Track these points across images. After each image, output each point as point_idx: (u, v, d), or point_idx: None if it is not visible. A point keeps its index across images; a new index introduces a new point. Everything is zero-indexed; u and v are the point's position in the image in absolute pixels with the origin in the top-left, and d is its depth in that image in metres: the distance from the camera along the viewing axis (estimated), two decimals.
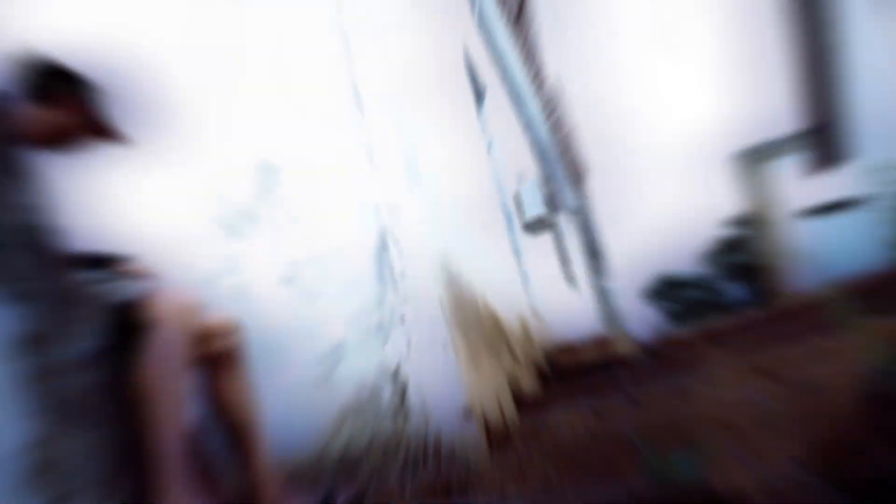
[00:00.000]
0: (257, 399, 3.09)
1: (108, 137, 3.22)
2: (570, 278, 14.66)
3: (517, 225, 10.45)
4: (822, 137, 15.30)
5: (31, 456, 1.96)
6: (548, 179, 15.57)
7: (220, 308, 4.80)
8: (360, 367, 4.69)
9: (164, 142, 5.32)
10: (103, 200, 5.17)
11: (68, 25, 4.99)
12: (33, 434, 2.01)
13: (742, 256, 24.36)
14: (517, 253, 9.73)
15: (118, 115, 3.25)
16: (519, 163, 12.06)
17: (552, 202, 15.18)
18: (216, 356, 2.98)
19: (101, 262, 3.06)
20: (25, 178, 2.23)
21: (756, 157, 20.83)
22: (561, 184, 16.47)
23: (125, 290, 2.85)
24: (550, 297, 11.17)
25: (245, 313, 4.87)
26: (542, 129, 14.77)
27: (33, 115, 3.07)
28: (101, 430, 2.42)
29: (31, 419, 2.02)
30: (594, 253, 19.59)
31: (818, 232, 18.76)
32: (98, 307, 2.67)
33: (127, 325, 2.76)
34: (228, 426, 2.98)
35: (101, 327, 2.63)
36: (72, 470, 2.15)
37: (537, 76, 13.94)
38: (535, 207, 10.88)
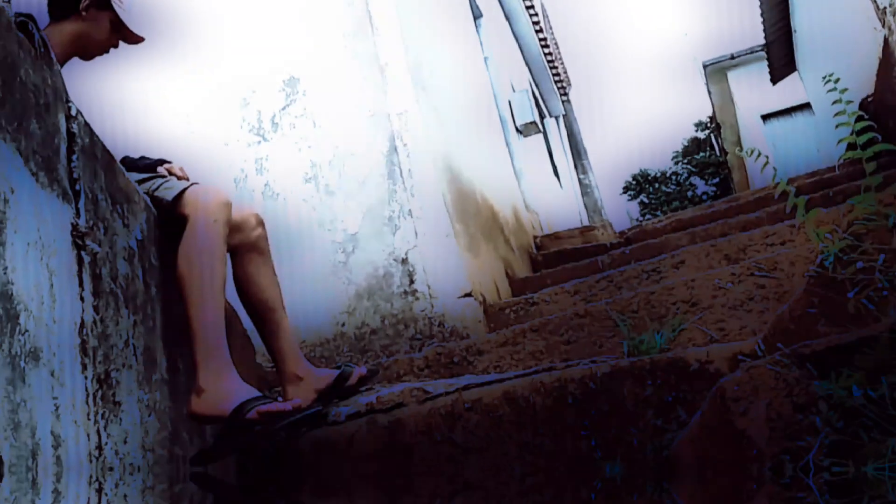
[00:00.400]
0: (279, 284, 3.07)
1: (127, 38, 3.19)
2: (556, 174, 14.61)
3: (511, 128, 10.37)
4: (777, 50, 15.10)
5: (81, 337, 1.96)
6: (537, 88, 15.41)
7: (247, 204, 4.79)
8: (374, 254, 4.69)
9: (190, 50, 5.25)
10: (135, 105, 5.12)
11: None
12: (86, 314, 2.00)
13: (708, 154, 24.11)
14: (511, 154, 9.67)
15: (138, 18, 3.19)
16: (512, 74, 11.93)
17: (541, 109, 15.05)
18: (242, 246, 2.96)
19: (145, 165, 3.04)
20: (64, 91, 2.20)
21: (721, 67, 20.55)
22: (548, 93, 16.31)
23: (167, 187, 2.82)
24: (540, 189, 11.15)
25: (271, 208, 4.85)
26: (533, 44, 14.58)
27: (60, 31, 3.06)
28: (148, 313, 2.42)
29: (85, 301, 2.01)
30: (578, 152, 19.49)
31: (776, 132, 18.60)
32: (144, 203, 2.65)
33: (169, 218, 2.75)
34: (254, 308, 2.96)
35: (147, 221, 2.62)
36: (117, 349, 2.15)
37: None
38: (526, 114, 10.78)
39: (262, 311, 2.93)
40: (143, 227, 2.56)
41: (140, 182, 2.81)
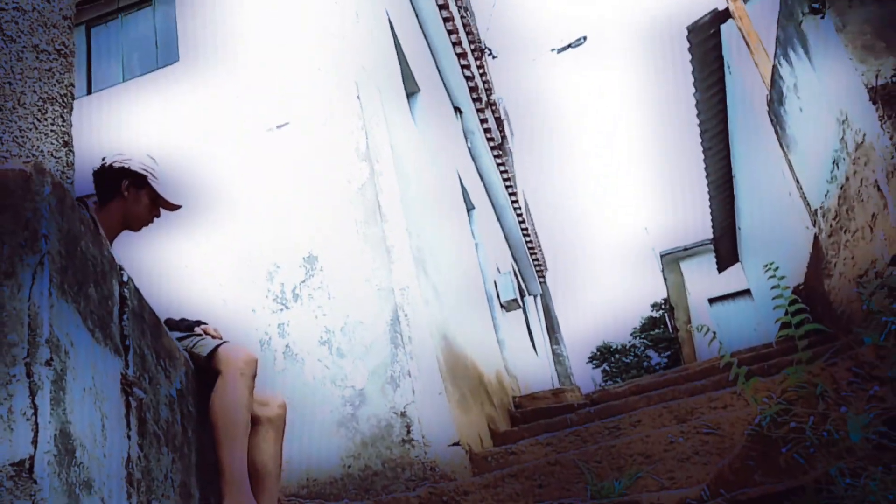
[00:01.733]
0: (281, 459, 3.02)
1: (166, 208, 3.26)
2: (533, 345, 14.63)
3: (496, 304, 10.48)
4: (723, 244, 15.40)
5: (128, 470, 1.98)
6: (519, 271, 15.63)
7: (270, 364, 4.82)
8: (377, 408, 4.69)
9: (226, 220, 5.38)
10: (178, 272, 5.21)
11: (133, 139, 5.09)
12: (132, 451, 2.02)
13: (662, 331, 24.14)
14: (495, 326, 9.75)
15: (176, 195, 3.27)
16: (498, 258, 12.14)
17: (521, 288, 15.22)
18: (262, 418, 2.96)
19: (183, 325, 3.09)
20: (115, 261, 2.29)
21: (676, 257, 20.86)
22: (528, 275, 16.53)
23: (202, 345, 2.87)
24: (519, 357, 11.15)
25: (291, 367, 4.88)
26: (517, 234, 14.88)
27: (108, 211, 3.15)
28: (184, 452, 2.43)
29: (131, 440, 2.03)
30: (552, 327, 19.55)
31: (721, 314, 18.72)
32: (183, 358, 2.70)
33: (205, 370, 2.78)
34: (254, 468, 2.90)
35: (186, 373, 2.66)
36: (157, 482, 2.16)
37: (512, 193, 14.08)
38: (509, 292, 10.92)
39: (260, 475, 2.89)
40: (182, 378, 2.60)
41: (180, 339, 2.86)
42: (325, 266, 5.14)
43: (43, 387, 1.68)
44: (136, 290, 2.34)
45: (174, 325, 3.06)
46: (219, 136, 5.65)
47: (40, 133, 2.39)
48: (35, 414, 1.64)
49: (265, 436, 2.95)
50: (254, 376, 2.86)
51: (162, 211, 3.28)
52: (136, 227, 3.27)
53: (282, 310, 5.08)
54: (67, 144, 2.50)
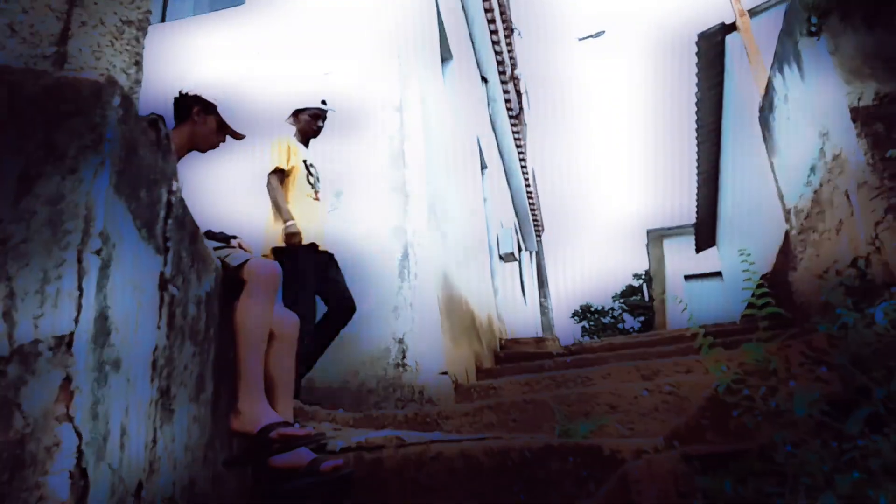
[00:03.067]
0: (294, 370, 3.02)
1: (232, 135, 3.30)
2: (523, 295, 14.66)
3: (496, 255, 10.47)
4: (703, 228, 15.34)
5: (154, 357, 1.98)
6: (519, 228, 15.60)
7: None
8: (379, 332, 4.70)
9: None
10: (223, 193, 5.19)
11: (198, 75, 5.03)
12: (160, 341, 2.03)
13: (639, 298, 24.16)
14: (492, 274, 9.74)
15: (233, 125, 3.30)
16: (502, 214, 12.11)
17: (520, 243, 15.20)
18: (278, 335, 2.95)
19: (220, 237, 3.09)
20: (175, 175, 2.28)
21: (660, 234, 20.78)
22: (527, 233, 16.50)
23: (234, 256, 2.87)
24: (509, 304, 11.18)
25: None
26: (521, 195, 14.82)
27: (180, 132, 3.19)
28: (205, 347, 2.43)
29: (160, 330, 2.03)
30: (542, 282, 19.57)
31: (694, 290, 18.70)
32: (215, 265, 2.69)
33: (233, 279, 2.78)
34: (268, 378, 2.89)
35: (216, 279, 2.65)
36: (178, 370, 2.16)
37: (523, 159, 13.99)
38: (508, 245, 10.91)
39: (275, 385, 2.89)
40: (211, 283, 2.60)
41: (215, 248, 2.85)
42: (350, 202, 5.12)
43: (90, 273, 1.68)
44: (182, 199, 2.33)
45: (213, 235, 3.06)
46: (273, 76, 5.58)
47: (116, 51, 2.38)
48: (80, 296, 1.64)
49: (279, 350, 2.95)
50: (276, 290, 2.86)
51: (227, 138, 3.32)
52: (203, 149, 3.31)
53: None
54: (138, 64, 2.49)
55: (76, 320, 1.61)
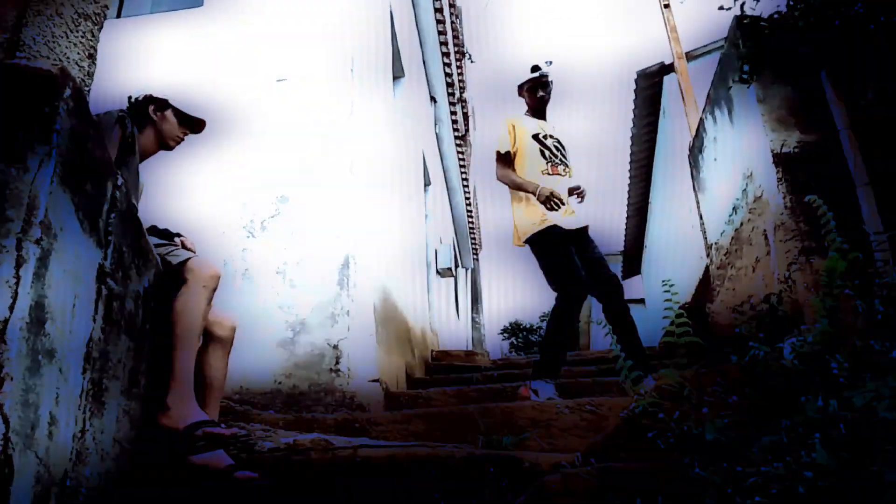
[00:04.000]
0: (226, 373, 2.97)
1: (193, 123, 3.24)
2: (457, 310, 14.71)
3: (433, 270, 10.50)
4: (630, 257, 15.65)
5: (88, 349, 1.93)
6: (457, 245, 15.66)
7: (230, 282, 4.74)
8: (315, 338, 4.66)
9: (216, 160, 5.26)
10: (174, 187, 5.09)
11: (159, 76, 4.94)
12: (95, 333, 1.98)
13: None
14: (428, 287, 9.76)
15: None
16: (442, 230, 12.15)
17: (457, 260, 15.26)
18: (213, 335, 2.91)
19: (164, 234, 3.03)
20: (131, 173, 2.25)
21: None
22: (465, 250, 16.58)
23: (176, 254, 2.82)
24: (443, 318, 11.21)
25: (247, 287, 4.81)
26: (462, 213, 14.89)
27: (145, 135, 3.13)
28: (140, 343, 2.38)
29: (96, 323, 1.99)
30: (476, 298, 19.66)
31: None
32: (156, 262, 2.64)
33: (174, 276, 2.73)
34: (200, 382, 2.83)
35: (156, 276, 2.60)
36: (111, 363, 2.12)
37: (465, 178, 14.07)
38: (446, 261, 10.95)
39: (206, 386, 2.84)
40: (151, 279, 2.55)
41: (157, 245, 2.80)
42: (295, 207, 5.06)
43: (28, 261, 1.63)
44: (128, 193, 2.28)
45: (157, 231, 3.00)
46: (228, 78, 5.49)
47: (70, 43, 2.34)
48: (17, 284, 1.60)
49: (214, 352, 2.90)
50: (214, 290, 2.81)
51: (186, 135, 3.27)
52: (170, 145, 3.23)
53: (248, 237, 4.99)
54: (92, 57, 2.44)
55: (11, 308, 1.57)
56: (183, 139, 3.25)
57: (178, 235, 3.02)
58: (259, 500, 2.60)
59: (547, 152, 4.52)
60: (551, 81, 4.63)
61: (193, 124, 3.26)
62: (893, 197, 4.65)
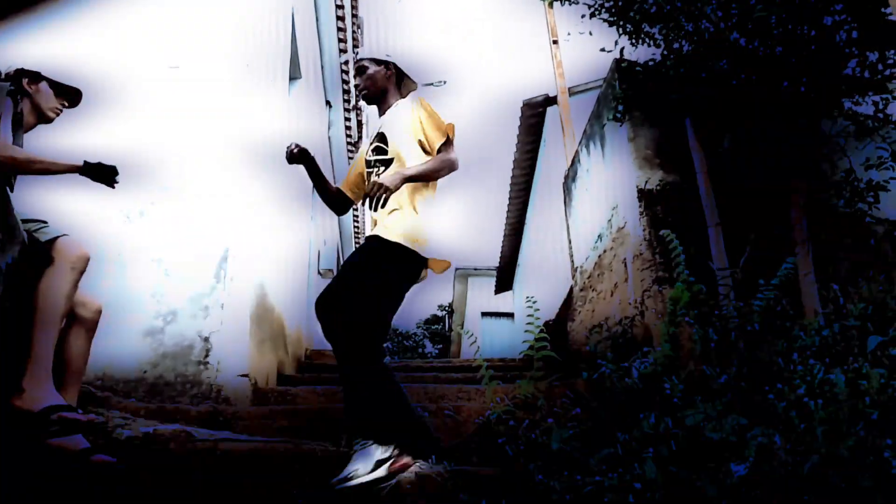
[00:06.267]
0: (88, 357, 2.82)
1: (68, 95, 3.07)
2: None
3: (314, 270, 10.36)
4: (504, 273, 15.99)
5: None
6: (342, 248, 15.54)
7: (105, 263, 4.50)
8: (185, 328, 4.49)
9: (100, 143, 5.00)
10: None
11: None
12: None
13: (440, 328, 24.64)
14: (309, 287, 9.62)
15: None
16: (327, 233, 12.03)
17: (339, 262, 15.13)
18: (78, 317, 2.75)
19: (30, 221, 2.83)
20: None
21: (466, 273, 21.38)
22: (347, 253, 16.46)
23: (45, 231, 2.66)
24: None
25: (120, 271, 4.58)
26: (348, 218, 14.79)
27: (24, 107, 2.93)
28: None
29: None
30: None
31: (488, 326, 19.37)
32: (22, 238, 2.49)
33: (40, 255, 2.57)
34: (61, 361, 2.68)
35: (21, 252, 2.44)
36: None
37: None
38: (328, 262, 10.86)
39: (66, 368, 2.68)
40: (15, 255, 2.39)
41: (25, 221, 2.63)
42: (176, 196, 4.86)
43: None
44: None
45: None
46: (119, 60, 5.22)
47: None
48: None
49: (77, 334, 2.75)
50: (82, 272, 2.67)
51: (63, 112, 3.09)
52: (49, 117, 3.03)
53: (125, 222, 4.76)
54: None
55: None
56: (62, 110, 3.07)
57: (45, 223, 2.81)
58: (116, 485, 2.49)
59: (367, 171, 3.21)
60: (365, 65, 3.30)
61: (71, 95, 3.09)
62: (739, 237, 4.97)
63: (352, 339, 2.66)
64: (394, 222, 2.85)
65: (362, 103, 14.89)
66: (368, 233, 2.97)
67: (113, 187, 2.88)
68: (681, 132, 5.57)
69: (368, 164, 3.17)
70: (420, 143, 3.03)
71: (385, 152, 3.09)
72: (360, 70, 3.28)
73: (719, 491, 1.63)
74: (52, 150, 4.67)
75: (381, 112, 3.29)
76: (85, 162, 2.79)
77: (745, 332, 2.56)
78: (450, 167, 2.99)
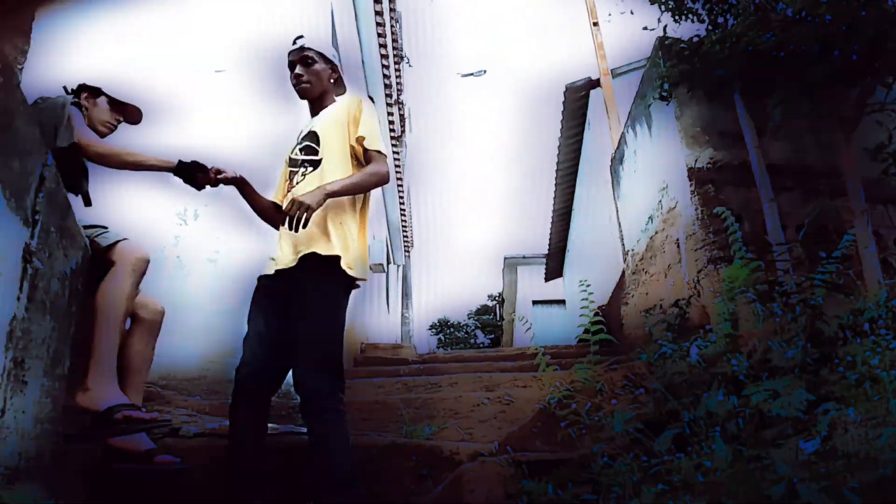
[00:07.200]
0: (152, 357, 2.86)
1: (127, 111, 3.13)
2: (387, 305, 14.66)
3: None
4: (553, 260, 15.87)
5: (10, 327, 1.85)
6: (390, 242, 15.61)
7: (160, 292, 4.59)
8: (243, 326, 4.55)
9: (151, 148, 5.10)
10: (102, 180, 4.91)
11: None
12: (18, 311, 1.89)
13: (491, 317, 24.61)
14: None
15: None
16: (377, 228, 12.10)
17: (389, 256, 15.21)
18: (140, 318, 2.81)
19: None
20: (42, 144, 2.15)
21: (515, 262, 21.28)
22: (396, 247, 16.54)
23: (105, 236, 2.71)
24: (373, 312, 11.16)
25: (179, 274, 4.67)
26: (396, 213, 14.85)
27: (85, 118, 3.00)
28: (65, 323, 2.29)
29: (20, 301, 1.90)
30: (406, 294, 19.63)
31: (539, 314, 19.26)
32: (84, 243, 2.54)
33: (102, 259, 2.63)
34: (124, 360, 2.72)
35: (83, 257, 2.50)
36: (35, 343, 2.03)
37: (399, 178, 14.04)
38: (378, 257, 10.91)
39: (129, 369, 2.73)
40: (78, 261, 2.45)
41: (86, 227, 2.70)
42: (227, 198, 4.92)
43: None
44: (56, 174, 2.19)
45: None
46: (165, 66, 5.32)
47: (2, 18, 2.24)
48: None
49: (140, 335, 2.80)
50: (143, 274, 2.72)
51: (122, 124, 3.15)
52: (102, 131, 3.08)
53: (181, 225, 4.85)
54: (25, 34, 2.34)
55: None
56: (116, 125, 3.13)
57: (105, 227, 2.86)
58: (179, 483, 2.54)
59: (290, 170, 3.00)
60: (313, 59, 2.98)
61: (127, 111, 3.15)
62: (793, 213, 4.84)
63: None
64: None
65: (403, 97, 14.91)
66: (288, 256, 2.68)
67: (200, 189, 2.87)
68: (729, 108, 5.44)
69: (294, 163, 2.93)
70: (351, 147, 2.81)
71: (315, 152, 2.84)
72: (307, 61, 2.96)
73: (791, 468, 1.58)
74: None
75: (315, 111, 3.04)
76: (180, 161, 2.81)
77: (809, 306, 2.49)
78: (378, 180, 2.78)
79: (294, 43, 3.04)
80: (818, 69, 4.67)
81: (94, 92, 3.07)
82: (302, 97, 3.04)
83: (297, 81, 2.98)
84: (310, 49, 2.98)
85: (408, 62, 16.10)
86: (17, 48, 2.29)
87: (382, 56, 10.48)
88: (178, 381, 4.33)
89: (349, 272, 2.61)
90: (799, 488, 1.42)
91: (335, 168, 2.74)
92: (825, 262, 2.93)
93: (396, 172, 13.62)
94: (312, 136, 2.89)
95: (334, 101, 3.03)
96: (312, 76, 2.97)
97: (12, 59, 2.10)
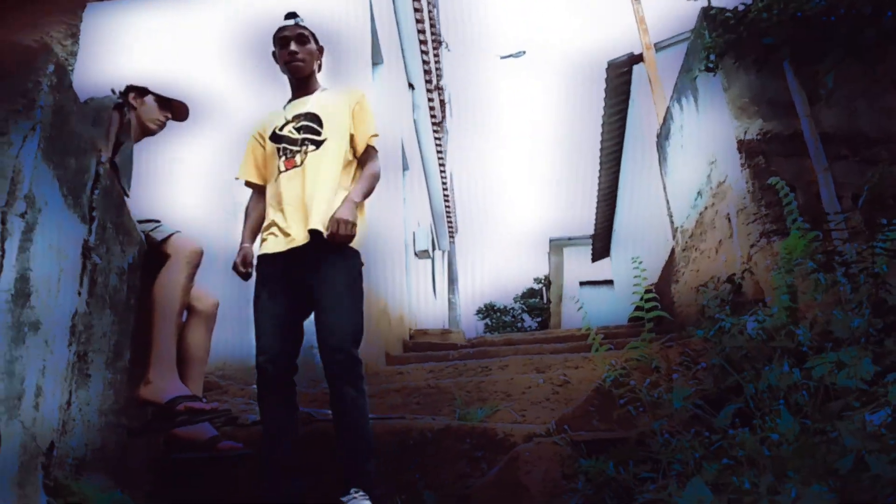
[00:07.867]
0: (208, 348, 2.91)
1: (174, 107, 3.17)
2: (434, 290, 14.72)
3: (411, 252, 10.47)
4: (599, 240, 15.72)
5: (73, 322, 1.90)
6: (434, 228, 15.64)
7: (213, 285, 4.67)
8: None
9: (201, 144, 5.18)
10: (153, 178, 5.00)
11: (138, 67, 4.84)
12: (80, 307, 1.94)
13: (538, 301, 24.53)
14: (406, 269, 9.74)
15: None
16: (419, 213, 12.12)
17: (434, 242, 15.25)
18: (195, 310, 2.86)
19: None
20: (96, 142, 2.20)
21: (561, 244, 21.16)
22: (441, 233, 16.57)
23: (160, 230, 2.77)
24: (421, 298, 11.21)
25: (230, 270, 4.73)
26: (438, 197, 14.86)
27: (131, 120, 3.04)
28: (125, 317, 2.35)
29: (81, 297, 1.95)
30: (452, 279, 19.66)
31: (587, 295, 19.14)
32: (139, 238, 2.60)
33: (157, 252, 2.68)
34: (182, 352, 2.77)
35: (139, 252, 2.56)
36: (96, 337, 2.08)
37: (442, 163, 14.04)
38: (423, 243, 10.94)
39: (188, 360, 2.77)
40: (135, 255, 2.51)
41: (141, 222, 2.75)
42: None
43: (13, 235, 1.59)
44: (111, 170, 2.24)
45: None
46: (212, 61, 5.39)
47: (53, 20, 2.28)
48: (2, 257, 1.56)
49: (196, 326, 2.86)
50: (197, 266, 2.78)
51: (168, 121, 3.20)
52: (152, 129, 3.13)
53: (230, 218, 4.91)
54: (74, 36, 2.38)
55: None
56: (164, 123, 3.18)
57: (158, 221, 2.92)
58: (239, 471, 2.59)
59: (282, 147, 2.92)
60: (308, 37, 3.01)
61: (174, 108, 3.19)
62: (848, 182, 4.70)
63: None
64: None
65: (443, 82, 14.88)
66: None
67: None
68: (778, 76, 5.29)
69: (292, 140, 2.90)
70: (351, 136, 2.98)
71: (317, 132, 2.87)
72: (302, 39, 2.98)
73: (859, 440, 1.53)
74: (161, 158, 4.89)
75: (300, 93, 3.05)
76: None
77: (872, 274, 2.42)
78: (378, 179, 3.07)
79: (287, 18, 3.08)
80: (870, 31, 4.51)
81: (141, 91, 3.12)
82: (293, 74, 3.05)
83: (290, 58, 2.98)
84: (305, 27, 3.03)
85: (447, 47, 16.04)
86: (68, 50, 2.34)
87: (421, 42, 10.47)
88: (234, 371, 4.41)
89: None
90: (868, 460, 1.39)
91: (336, 150, 2.90)
92: (886, 230, 2.84)
93: (438, 158, 13.62)
94: (312, 118, 2.94)
95: (320, 86, 3.11)
96: (307, 55, 3.01)
97: (63, 59, 2.15)
